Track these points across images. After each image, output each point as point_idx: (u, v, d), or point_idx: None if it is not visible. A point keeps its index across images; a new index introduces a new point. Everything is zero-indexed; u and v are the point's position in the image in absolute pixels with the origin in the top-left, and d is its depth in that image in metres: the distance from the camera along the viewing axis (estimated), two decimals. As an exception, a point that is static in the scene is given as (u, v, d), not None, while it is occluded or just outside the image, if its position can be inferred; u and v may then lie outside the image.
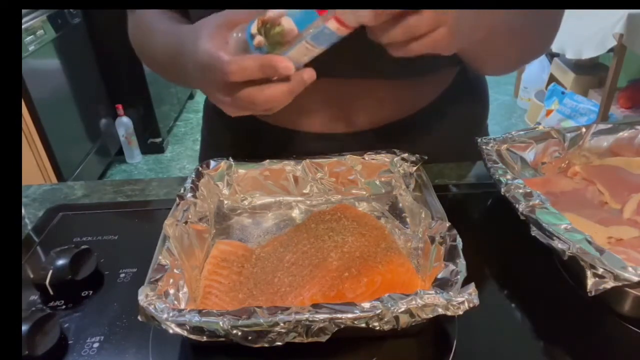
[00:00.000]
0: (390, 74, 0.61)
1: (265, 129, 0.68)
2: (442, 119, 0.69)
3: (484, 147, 0.60)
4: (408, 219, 0.57)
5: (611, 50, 2.10)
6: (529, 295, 0.50)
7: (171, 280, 0.43)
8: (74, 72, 2.27)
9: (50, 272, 0.49)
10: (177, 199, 0.53)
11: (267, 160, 0.61)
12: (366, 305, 0.38)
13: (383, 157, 0.61)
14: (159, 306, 0.38)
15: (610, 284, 0.40)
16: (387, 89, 0.63)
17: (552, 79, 2.83)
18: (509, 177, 0.53)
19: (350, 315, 0.37)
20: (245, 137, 0.71)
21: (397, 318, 0.38)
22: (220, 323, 0.37)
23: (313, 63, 0.45)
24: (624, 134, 0.64)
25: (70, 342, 0.45)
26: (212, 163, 0.61)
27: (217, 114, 0.75)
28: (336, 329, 0.37)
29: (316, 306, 0.38)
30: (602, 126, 0.64)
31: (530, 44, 0.61)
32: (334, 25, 0.42)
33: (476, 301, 0.38)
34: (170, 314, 0.38)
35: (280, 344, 0.38)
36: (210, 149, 0.78)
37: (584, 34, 2.15)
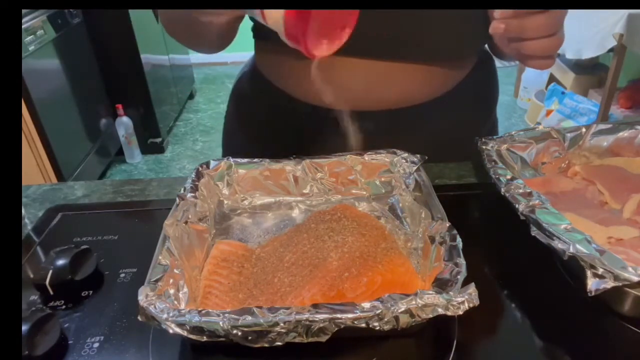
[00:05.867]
0: (408, 56, 0.61)
1: (292, 106, 0.69)
2: (451, 111, 0.69)
3: (484, 147, 0.60)
4: (408, 219, 0.57)
5: (611, 50, 2.10)
6: (529, 295, 0.50)
7: (171, 280, 0.43)
8: (74, 72, 2.27)
9: (50, 272, 0.49)
10: (177, 199, 0.53)
11: (267, 160, 0.61)
12: (366, 305, 0.38)
13: (383, 157, 0.61)
14: (159, 306, 0.38)
15: (610, 284, 0.40)
16: (402, 71, 0.64)
17: (552, 79, 2.83)
18: (509, 177, 0.53)
19: (350, 315, 0.37)
20: (271, 114, 0.73)
21: (397, 318, 0.38)
22: (220, 323, 0.37)
23: None
24: (624, 134, 0.64)
25: (70, 342, 0.45)
26: (212, 163, 0.61)
27: (246, 94, 0.77)
28: (336, 329, 0.37)
29: (316, 306, 0.38)
30: (602, 126, 0.64)
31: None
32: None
33: (476, 301, 0.38)
34: (170, 314, 0.38)
35: (280, 344, 0.38)
36: (237, 127, 0.80)
37: (584, 34, 2.15)
